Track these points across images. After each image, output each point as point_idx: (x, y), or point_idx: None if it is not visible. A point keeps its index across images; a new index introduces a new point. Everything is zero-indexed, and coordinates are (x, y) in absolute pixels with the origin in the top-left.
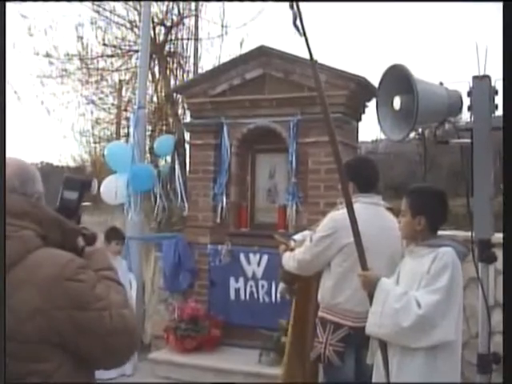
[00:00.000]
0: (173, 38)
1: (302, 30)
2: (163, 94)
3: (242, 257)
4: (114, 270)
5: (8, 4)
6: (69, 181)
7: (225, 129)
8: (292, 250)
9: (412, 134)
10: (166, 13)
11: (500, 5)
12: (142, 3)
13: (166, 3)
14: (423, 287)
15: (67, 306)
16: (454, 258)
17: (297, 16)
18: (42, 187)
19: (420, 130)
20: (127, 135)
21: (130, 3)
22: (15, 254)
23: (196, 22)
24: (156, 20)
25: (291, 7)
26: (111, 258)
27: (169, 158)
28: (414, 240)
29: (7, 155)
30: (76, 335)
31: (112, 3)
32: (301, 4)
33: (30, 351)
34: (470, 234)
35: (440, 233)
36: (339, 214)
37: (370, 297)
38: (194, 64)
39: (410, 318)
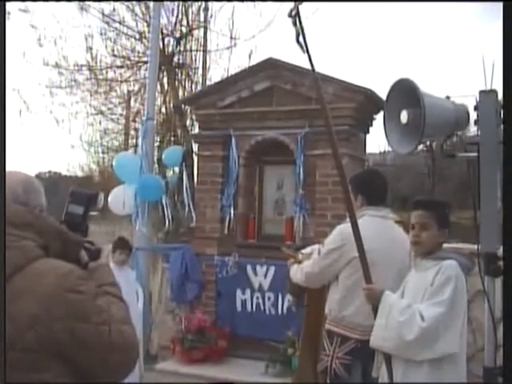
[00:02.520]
0: (182, 49)
1: (304, 47)
2: (172, 105)
3: (248, 268)
4: (118, 287)
5: (18, 14)
6: (75, 194)
7: (233, 140)
8: (300, 262)
9: (420, 147)
10: (175, 24)
11: None
12: (152, 14)
13: (176, 14)
14: (427, 300)
15: (66, 317)
16: (457, 271)
17: (299, 33)
18: (45, 202)
19: (428, 142)
20: (135, 146)
21: (140, 14)
22: (15, 264)
23: (205, 33)
24: (165, 31)
25: (294, 24)
26: (116, 268)
27: (177, 169)
28: (432, 253)
29: (14, 168)
30: (74, 347)
31: (121, 14)
32: (310, 17)
33: (29, 361)
34: (476, 246)
35: (446, 245)
36: (348, 226)
37: (375, 310)
38: (203, 75)
39: (413, 330)
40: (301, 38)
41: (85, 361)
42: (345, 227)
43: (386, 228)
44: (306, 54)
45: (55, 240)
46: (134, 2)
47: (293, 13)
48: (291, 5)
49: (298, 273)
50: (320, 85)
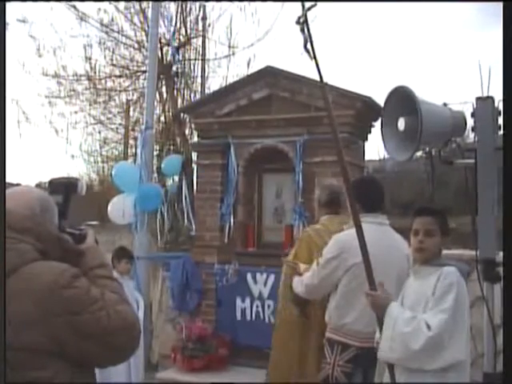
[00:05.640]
0: (180, 58)
1: (312, 54)
2: (171, 114)
3: (248, 276)
4: (108, 267)
5: (17, 24)
6: (53, 184)
7: (232, 149)
8: (300, 274)
9: (419, 153)
10: (174, 33)
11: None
12: (150, 24)
13: (174, 24)
14: (430, 309)
15: (64, 313)
16: (458, 277)
17: (307, 40)
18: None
19: (427, 149)
20: (135, 155)
21: (138, 24)
22: (10, 265)
23: (203, 42)
24: (163, 40)
25: (302, 31)
26: (119, 278)
27: (176, 178)
28: (431, 260)
29: (12, 177)
30: (76, 340)
31: (120, 24)
32: (309, 25)
33: (28, 360)
34: (474, 252)
35: (446, 252)
36: (345, 235)
37: (380, 319)
38: (201, 84)
39: (420, 340)
40: (309, 45)
41: (90, 350)
42: (342, 236)
43: (384, 234)
44: (313, 61)
45: (55, 247)
46: (132, 11)
47: (301, 20)
48: (290, 13)
49: (298, 285)
50: (327, 92)
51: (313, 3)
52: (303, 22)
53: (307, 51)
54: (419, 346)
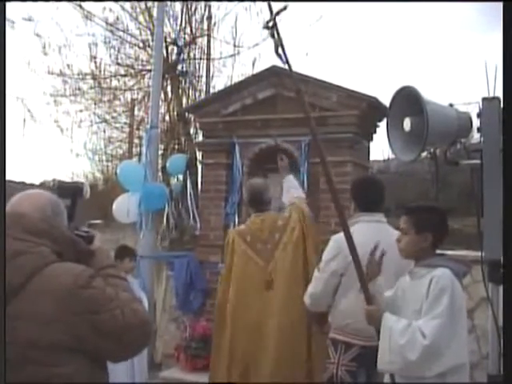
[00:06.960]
0: (185, 57)
1: (284, 59)
2: (175, 113)
3: None
4: (117, 267)
5: (22, 23)
6: (61, 188)
7: (237, 148)
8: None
9: (424, 154)
10: (179, 32)
11: None
12: (155, 23)
13: (179, 23)
14: (424, 315)
15: (83, 311)
16: (451, 279)
17: (278, 44)
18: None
19: (432, 149)
20: (139, 154)
21: (143, 23)
22: (33, 267)
23: (208, 41)
24: (169, 39)
25: (272, 36)
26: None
27: (181, 177)
28: (416, 258)
29: (16, 175)
30: (94, 337)
31: (125, 22)
32: (314, 25)
33: (50, 357)
34: (480, 254)
35: (450, 253)
36: (341, 236)
37: (377, 331)
38: (206, 84)
39: (416, 350)
40: (280, 50)
41: (105, 347)
42: (338, 236)
43: (380, 232)
44: (286, 65)
45: (69, 248)
46: (137, 11)
47: (270, 24)
48: (293, 14)
49: (305, 298)
50: (304, 97)
51: (284, 5)
52: (272, 27)
53: (279, 56)
54: (416, 356)
